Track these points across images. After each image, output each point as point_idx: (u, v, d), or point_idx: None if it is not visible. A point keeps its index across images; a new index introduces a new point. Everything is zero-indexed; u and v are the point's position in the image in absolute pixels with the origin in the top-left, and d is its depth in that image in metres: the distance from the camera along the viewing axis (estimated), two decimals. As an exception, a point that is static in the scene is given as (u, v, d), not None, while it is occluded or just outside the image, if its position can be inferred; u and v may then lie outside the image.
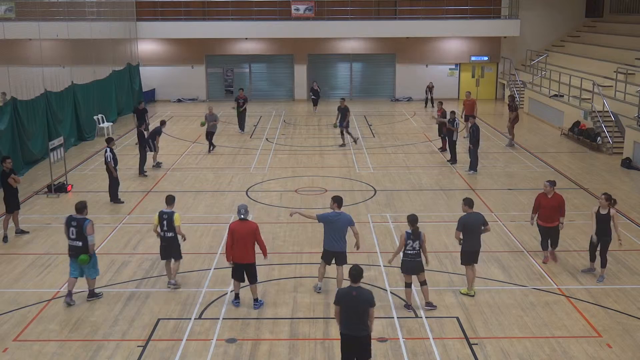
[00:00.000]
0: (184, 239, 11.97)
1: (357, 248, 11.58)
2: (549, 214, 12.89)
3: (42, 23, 26.52)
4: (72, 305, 11.34)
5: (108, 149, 17.27)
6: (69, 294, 11.42)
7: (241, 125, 27.40)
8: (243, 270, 11.11)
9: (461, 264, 11.76)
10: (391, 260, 11.40)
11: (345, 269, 10.58)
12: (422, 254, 10.90)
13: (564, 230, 14.15)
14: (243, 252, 10.95)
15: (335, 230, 11.26)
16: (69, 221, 11.30)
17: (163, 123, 21.35)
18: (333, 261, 11.53)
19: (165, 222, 11.73)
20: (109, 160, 17.11)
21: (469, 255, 11.55)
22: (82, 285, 12.17)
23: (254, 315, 10.99)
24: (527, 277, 12.46)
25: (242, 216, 10.97)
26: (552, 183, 13.02)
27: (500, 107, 34.74)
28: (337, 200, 11.44)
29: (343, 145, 24.44)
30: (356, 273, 8.40)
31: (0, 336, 10.32)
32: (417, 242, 10.79)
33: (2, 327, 10.62)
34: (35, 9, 30.55)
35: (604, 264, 12.31)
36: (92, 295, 11.63)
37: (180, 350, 9.88)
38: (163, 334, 10.40)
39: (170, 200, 12.08)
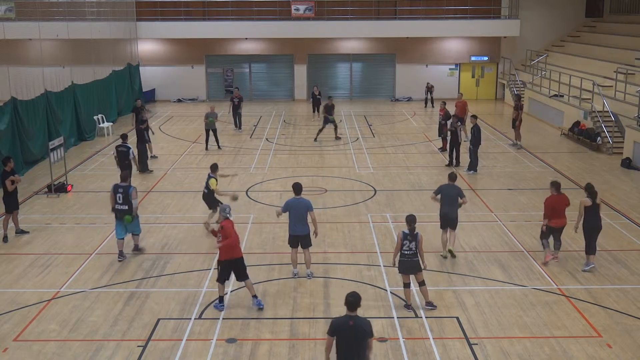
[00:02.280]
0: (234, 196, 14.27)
1: (315, 235, 12.37)
2: None
3: (42, 23, 26.51)
4: (124, 260, 13.30)
5: (129, 145, 18.12)
6: (120, 253, 13.33)
7: (237, 124, 27.79)
8: (231, 269, 11.05)
9: (440, 227, 13.48)
10: (393, 262, 11.35)
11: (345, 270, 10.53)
12: (418, 254, 10.90)
13: (565, 230, 14.17)
14: (232, 248, 10.98)
15: (296, 214, 12.11)
16: (115, 188, 13.26)
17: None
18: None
19: (206, 182, 14.50)
20: (132, 156, 18.02)
21: (443, 219, 13.37)
22: (82, 285, 12.21)
23: (254, 315, 11.00)
24: (527, 277, 12.46)
25: (228, 216, 11.12)
26: (551, 183, 13.21)
27: (500, 107, 34.76)
28: (294, 188, 12.33)
29: (338, 138, 25.57)
30: (353, 300, 7.58)
31: (0, 336, 10.32)
32: (414, 242, 10.78)
33: (2, 327, 10.62)
34: (35, 9, 30.54)
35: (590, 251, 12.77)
36: (137, 249, 13.61)
37: (180, 350, 9.88)
38: (163, 334, 10.40)
39: (213, 167, 14.67)
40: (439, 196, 13.38)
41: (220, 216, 11.21)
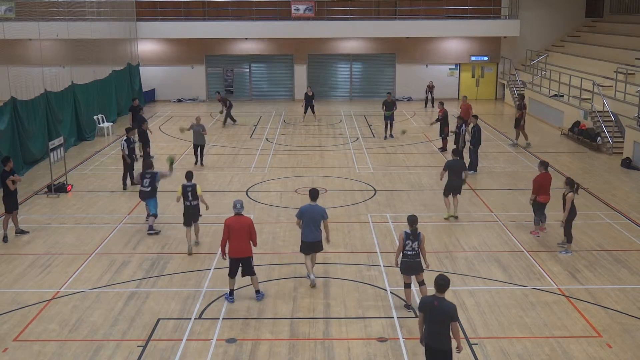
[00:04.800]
0: (207, 208, 14.30)
1: (328, 242, 12.27)
2: None
3: (42, 23, 26.50)
4: (153, 233, 14.84)
5: (126, 138, 18.53)
6: (150, 227, 15.01)
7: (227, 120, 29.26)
8: (239, 264, 11.26)
9: (444, 194, 15.69)
10: (396, 263, 11.22)
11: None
12: (421, 254, 10.88)
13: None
14: (241, 246, 11.15)
15: (310, 221, 11.92)
16: (143, 174, 15.09)
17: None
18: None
19: (189, 194, 13.69)
20: (122, 148, 18.41)
21: (450, 188, 15.55)
22: (82, 285, 12.21)
23: (254, 315, 11.00)
24: (527, 277, 12.47)
25: (238, 211, 11.24)
26: (540, 162, 14.98)
27: (500, 107, 34.76)
28: (311, 194, 12.18)
29: (391, 136, 26.17)
30: (443, 283, 8.23)
31: (0, 336, 10.32)
32: (416, 242, 10.77)
33: (2, 327, 10.62)
34: (35, 9, 30.52)
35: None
36: (151, 229, 14.90)
37: (180, 350, 9.88)
38: (163, 334, 10.40)
39: (189, 175, 13.98)
40: (446, 172, 15.55)
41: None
